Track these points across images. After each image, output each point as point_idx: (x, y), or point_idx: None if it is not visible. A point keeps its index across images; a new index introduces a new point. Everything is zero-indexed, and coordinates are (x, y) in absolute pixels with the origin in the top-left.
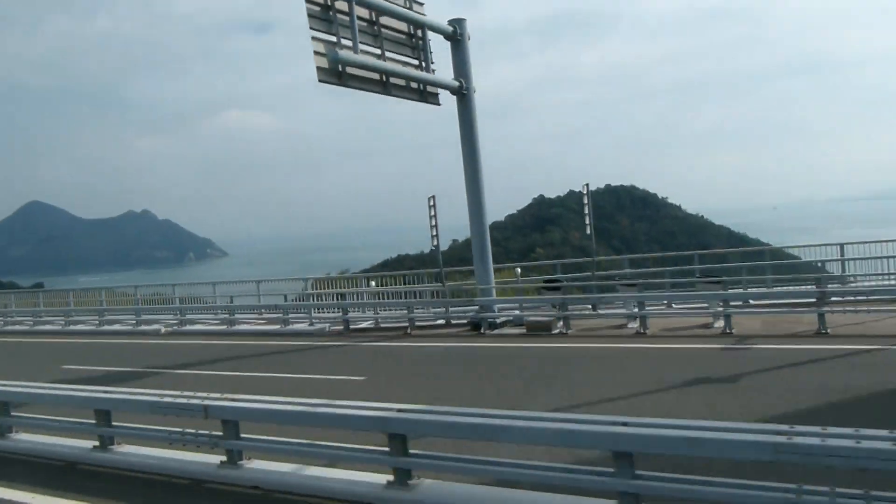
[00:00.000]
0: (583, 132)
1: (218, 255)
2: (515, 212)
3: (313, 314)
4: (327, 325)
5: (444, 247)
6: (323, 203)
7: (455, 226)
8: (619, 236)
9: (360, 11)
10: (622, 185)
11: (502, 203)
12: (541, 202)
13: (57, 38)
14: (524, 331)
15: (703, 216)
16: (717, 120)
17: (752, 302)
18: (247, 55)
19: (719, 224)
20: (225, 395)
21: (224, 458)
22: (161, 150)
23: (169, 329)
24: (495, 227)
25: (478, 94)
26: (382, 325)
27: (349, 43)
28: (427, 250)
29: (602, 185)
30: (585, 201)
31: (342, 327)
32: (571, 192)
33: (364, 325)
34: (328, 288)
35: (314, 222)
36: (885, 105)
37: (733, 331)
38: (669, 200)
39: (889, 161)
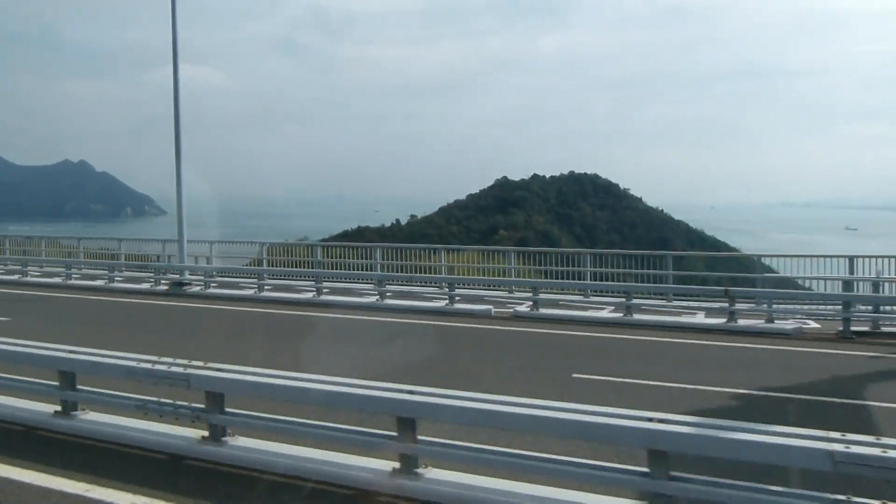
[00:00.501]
0: (537, 118)
1: (156, 213)
2: (478, 191)
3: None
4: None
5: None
6: (265, 167)
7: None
8: (581, 223)
9: None
10: (585, 174)
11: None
12: (504, 184)
13: None
14: None
15: (662, 210)
16: (665, 117)
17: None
18: (198, 6)
19: (678, 219)
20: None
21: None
22: (102, 99)
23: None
24: (457, 205)
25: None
26: None
27: None
28: (387, 224)
29: (566, 172)
30: None
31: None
32: (536, 176)
33: None
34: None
35: (256, 187)
36: (821, 117)
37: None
38: (631, 192)
39: (820, 172)
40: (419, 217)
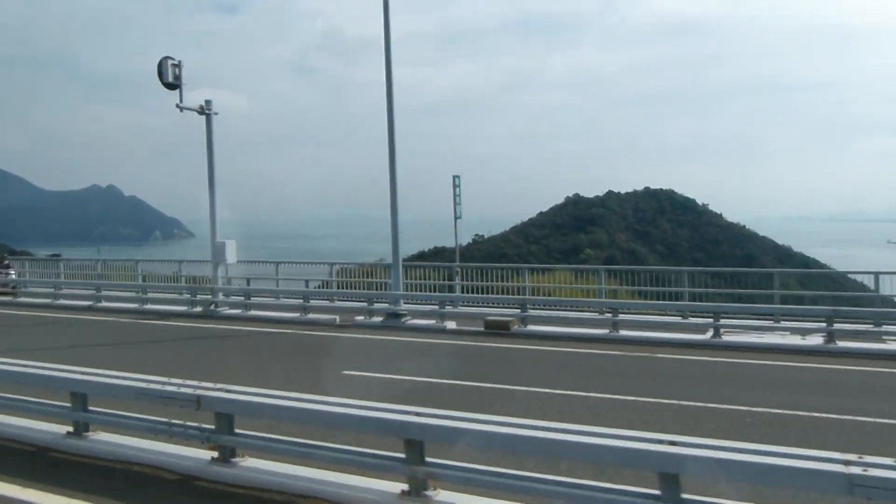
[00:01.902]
0: (551, 135)
1: (185, 235)
2: (547, 209)
3: None
4: None
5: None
6: (290, 190)
7: (439, 219)
8: (662, 241)
9: None
10: (661, 189)
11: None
12: (578, 201)
13: (20, 4)
14: None
15: (744, 226)
16: (679, 133)
17: None
18: (215, 34)
19: (763, 235)
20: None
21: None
22: (127, 124)
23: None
24: (532, 224)
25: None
26: None
27: None
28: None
29: (640, 188)
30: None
31: None
32: (611, 193)
33: None
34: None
35: (276, 208)
36: (839, 132)
37: None
38: (710, 207)
39: (838, 187)
40: (485, 237)
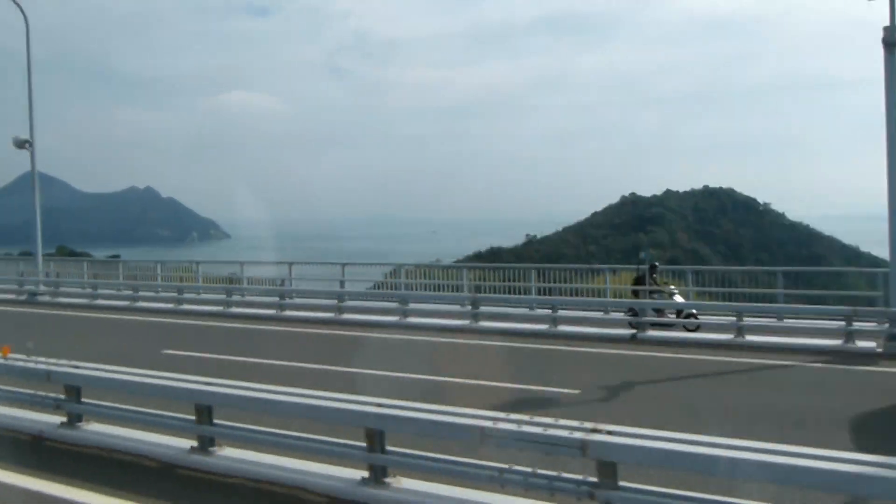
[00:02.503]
0: (581, 135)
1: (221, 236)
2: (600, 209)
3: None
4: None
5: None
6: (319, 190)
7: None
8: (724, 241)
9: None
10: (721, 188)
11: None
12: (635, 201)
13: (53, 8)
14: None
15: (808, 225)
16: (712, 132)
17: None
18: (247, 36)
19: (829, 234)
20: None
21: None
22: (162, 127)
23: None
24: (589, 223)
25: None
26: None
27: None
28: (518, 243)
29: (699, 186)
30: None
31: None
32: (669, 192)
33: None
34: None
35: (307, 208)
36: (876, 128)
37: None
38: (773, 207)
39: (874, 184)
40: (538, 237)
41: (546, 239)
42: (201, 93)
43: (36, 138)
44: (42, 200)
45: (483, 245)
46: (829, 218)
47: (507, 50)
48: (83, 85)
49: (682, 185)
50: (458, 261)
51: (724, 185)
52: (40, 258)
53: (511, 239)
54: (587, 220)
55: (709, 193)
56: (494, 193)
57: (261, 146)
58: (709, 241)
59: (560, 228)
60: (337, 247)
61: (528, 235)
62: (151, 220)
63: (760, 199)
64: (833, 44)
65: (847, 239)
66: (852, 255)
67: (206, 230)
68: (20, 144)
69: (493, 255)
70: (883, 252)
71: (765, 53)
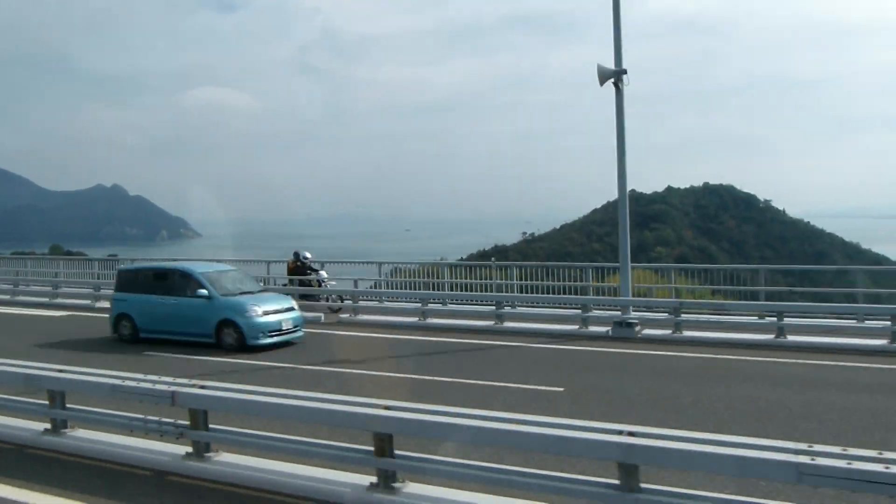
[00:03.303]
0: (555, 133)
1: (192, 235)
2: (598, 207)
3: None
4: None
5: (514, 239)
6: (289, 188)
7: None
8: (728, 238)
9: None
10: (721, 185)
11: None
12: (637, 198)
13: (14, 3)
14: None
15: (808, 222)
16: (681, 132)
17: None
18: (213, 33)
19: (830, 231)
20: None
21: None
22: (129, 124)
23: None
24: (590, 221)
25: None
26: None
27: None
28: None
29: (700, 183)
30: None
31: None
32: (670, 189)
33: None
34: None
35: (274, 207)
36: (841, 127)
37: None
38: (773, 203)
39: (841, 183)
40: (536, 234)
41: (546, 237)
42: (168, 90)
43: None
44: (6, 199)
45: (465, 244)
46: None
47: (477, 48)
48: (46, 82)
49: (650, 184)
50: (461, 259)
51: (724, 182)
52: None
53: (484, 237)
54: (587, 217)
55: (710, 190)
56: (466, 192)
57: (230, 144)
58: (713, 238)
59: (558, 226)
60: (312, 246)
61: (524, 234)
62: (119, 218)
63: (760, 196)
64: (795, 45)
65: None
66: (853, 252)
67: (176, 229)
68: None
69: (499, 253)
70: (884, 249)
71: (730, 54)
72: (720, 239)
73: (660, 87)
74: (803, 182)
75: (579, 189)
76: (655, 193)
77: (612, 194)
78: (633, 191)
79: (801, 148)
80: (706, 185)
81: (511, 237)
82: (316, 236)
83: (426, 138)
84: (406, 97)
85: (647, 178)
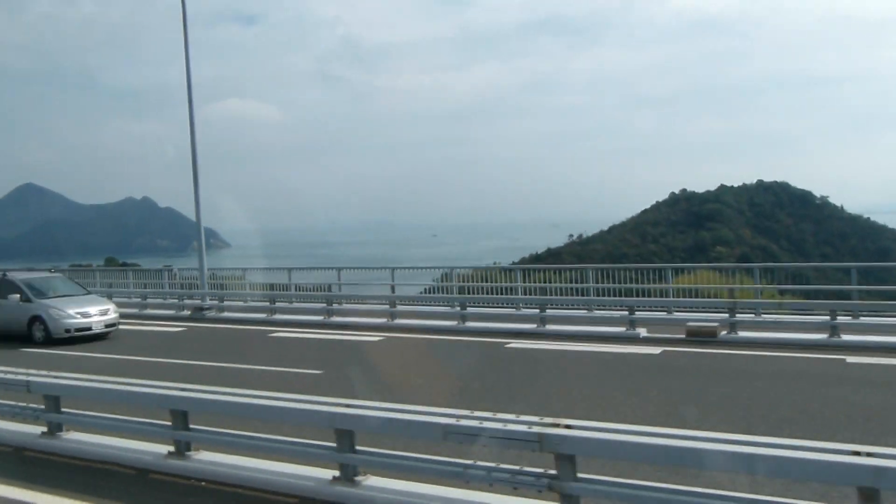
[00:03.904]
0: (575, 136)
1: (221, 245)
2: (649, 206)
3: None
4: None
5: (544, 243)
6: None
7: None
8: (786, 236)
9: None
10: (776, 181)
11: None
12: (689, 197)
13: (40, 22)
14: None
15: (868, 217)
16: (708, 132)
17: None
18: (236, 45)
19: (893, 227)
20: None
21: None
22: (155, 137)
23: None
24: (643, 221)
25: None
26: None
27: None
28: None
29: (753, 181)
30: None
31: None
32: (723, 187)
33: None
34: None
35: (302, 217)
36: (870, 124)
37: None
38: (830, 200)
39: (870, 179)
40: (581, 237)
41: (598, 238)
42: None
43: (27, 150)
44: (38, 213)
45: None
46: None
47: (497, 53)
48: (72, 97)
49: (666, 188)
50: (514, 263)
51: (779, 179)
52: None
53: (513, 241)
54: (637, 217)
55: (764, 188)
56: (491, 196)
57: (256, 154)
58: (770, 237)
59: (606, 228)
60: (339, 253)
61: (570, 236)
62: (150, 230)
63: (816, 193)
64: (818, 41)
65: None
66: None
67: (206, 240)
68: None
69: (553, 256)
70: None
71: (754, 52)
72: (778, 238)
73: (682, 87)
74: (853, 177)
75: (606, 190)
76: (708, 192)
77: (658, 194)
78: (684, 190)
79: (827, 145)
80: (760, 182)
81: (539, 240)
82: (343, 243)
83: (449, 144)
84: (427, 103)
85: (699, 177)
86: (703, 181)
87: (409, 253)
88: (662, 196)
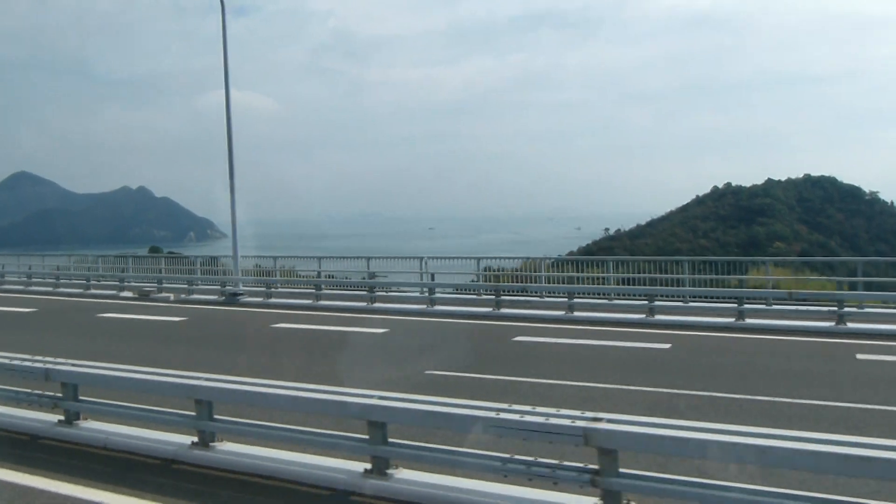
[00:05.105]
0: (568, 133)
1: (218, 236)
2: (689, 200)
3: None
4: None
5: (594, 236)
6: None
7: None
8: (839, 232)
9: None
10: (823, 176)
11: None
12: (736, 192)
13: (30, 10)
14: None
15: None
16: (701, 128)
17: None
18: (230, 37)
19: None
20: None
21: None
22: (150, 127)
23: None
24: (693, 216)
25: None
26: None
27: None
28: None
29: (800, 175)
30: None
31: None
32: (770, 181)
33: None
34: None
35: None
36: (862, 122)
37: None
38: (880, 196)
39: (861, 177)
40: (616, 231)
41: (646, 232)
42: (186, 93)
43: (21, 138)
44: (32, 201)
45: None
46: None
47: (490, 48)
48: (66, 86)
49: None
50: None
51: (827, 174)
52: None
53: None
54: (679, 212)
55: (811, 182)
56: (487, 190)
57: (250, 145)
58: (823, 233)
59: (643, 223)
60: (340, 245)
61: (605, 230)
62: (147, 220)
63: (865, 188)
64: (810, 39)
65: None
66: None
67: (203, 230)
68: None
69: (605, 250)
70: None
71: (746, 49)
72: (831, 233)
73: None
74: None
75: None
76: (755, 186)
77: (656, 190)
78: (728, 184)
79: (816, 142)
80: (807, 176)
81: (538, 233)
82: (338, 236)
83: (441, 138)
84: (419, 98)
85: (747, 171)
86: (704, 181)
87: (411, 245)
88: (659, 191)
